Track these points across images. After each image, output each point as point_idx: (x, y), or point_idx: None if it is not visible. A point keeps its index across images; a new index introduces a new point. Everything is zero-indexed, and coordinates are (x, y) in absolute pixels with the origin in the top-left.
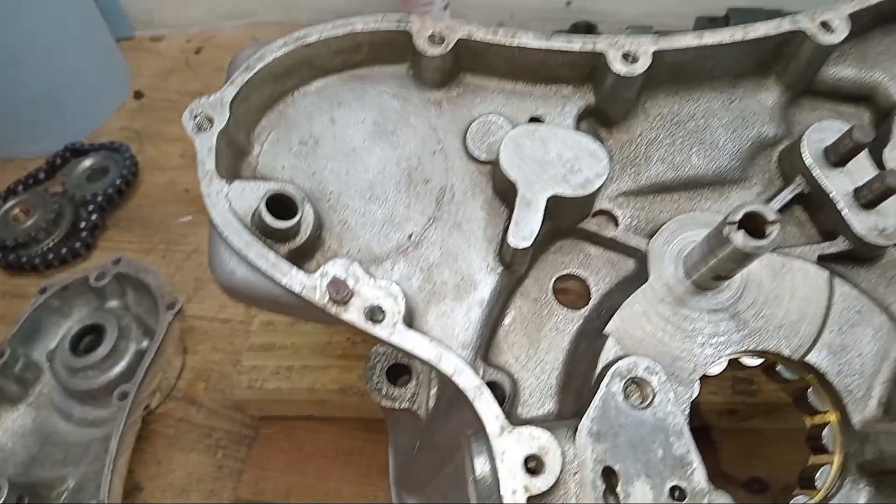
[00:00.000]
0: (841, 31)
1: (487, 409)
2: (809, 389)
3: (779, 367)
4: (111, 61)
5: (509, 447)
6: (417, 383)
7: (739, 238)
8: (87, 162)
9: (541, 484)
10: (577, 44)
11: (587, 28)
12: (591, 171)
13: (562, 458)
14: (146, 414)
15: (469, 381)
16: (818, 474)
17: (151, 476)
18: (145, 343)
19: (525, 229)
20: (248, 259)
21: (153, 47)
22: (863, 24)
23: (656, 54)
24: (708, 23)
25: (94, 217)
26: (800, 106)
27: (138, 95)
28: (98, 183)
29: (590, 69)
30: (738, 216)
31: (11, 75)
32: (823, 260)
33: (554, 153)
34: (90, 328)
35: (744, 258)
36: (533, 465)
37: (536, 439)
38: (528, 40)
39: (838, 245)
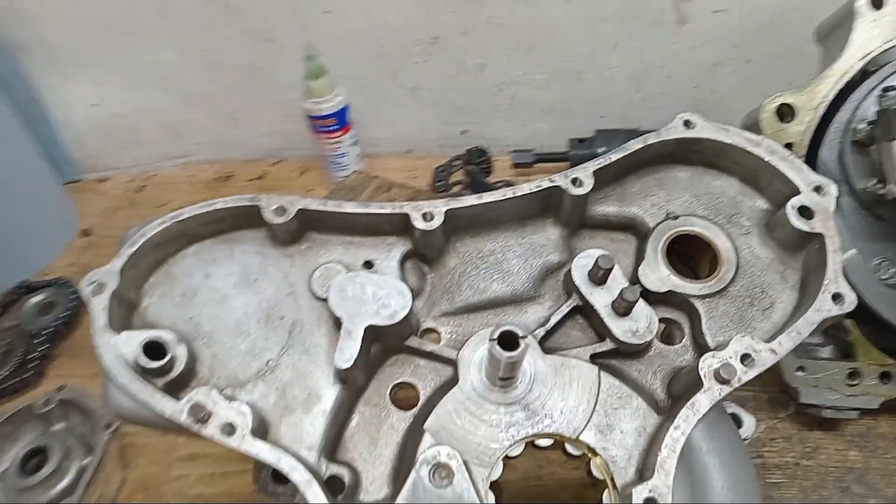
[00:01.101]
0: (588, 185)
1: (316, 498)
2: (590, 462)
3: (566, 446)
4: (59, 204)
5: None
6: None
7: (497, 350)
8: (38, 297)
9: None
10: (388, 209)
11: (479, 153)
12: (398, 305)
13: None
14: None
15: (301, 476)
16: None
17: None
18: (87, 460)
19: (346, 353)
20: (129, 393)
21: (98, 188)
22: (615, 174)
23: (448, 212)
24: (578, 143)
25: (44, 347)
26: (580, 236)
27: (85, 233)
28: (48, 316)
29: (403, 224)
30: (496, 335)
31: None
32: (597, 357)
33: (370, 293)
34: (36, 450)
35: (508, 365)
36: None
37: None
38: (351, 208)
39: (607, 345)
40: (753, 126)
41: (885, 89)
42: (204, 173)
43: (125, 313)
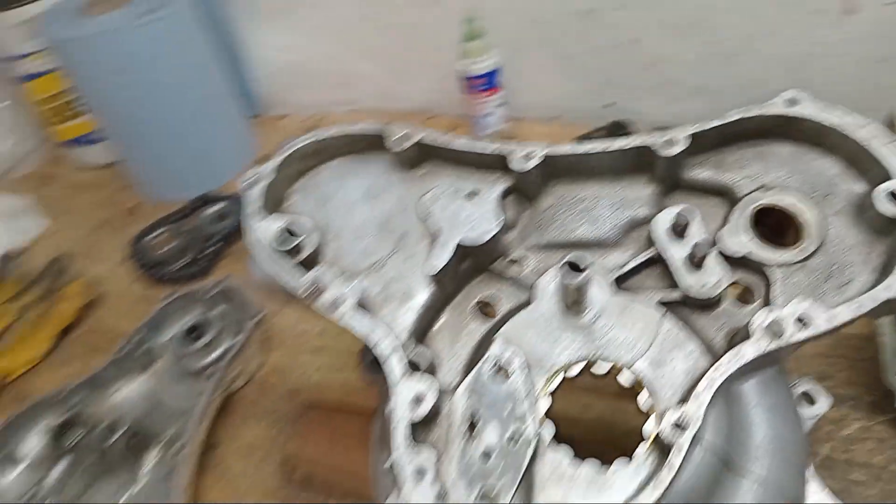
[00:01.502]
0: (678, 147)
1: (396, 363)
2: (639, 394)
3: (618, 377)
4: (243, 134)
5: (404, 388)
6: None
7: (565, 273)
8: (215, 207)
9: (420, 411)
10: (491, 148)
11: (620, 126)
12: (486, 229)
13: (437, 397)
14: (228, 394)
15: (385, 347)
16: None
17: (227, 438)
18: (235, 340)
19: (437, 261)
20: (265, 266)
21: (276, 124)
22: (715, 141)
23: (546, 156)
24: None
25: (214, 248)
26: (673, 197)
27: (261, 160)
28: (221, 224)
29: (505, 162)
30: (564, 261)
31: (168, 141)
32: (665, 304)
33: (465, 215)
34: (198, 326)
35: (573, 289)
36: (419, 398)
37: (422, 383)
38: (460, 144)
39: (676, 294)
40: (889, 121)
41: None
42: (367, 118)
43: (271, 207)
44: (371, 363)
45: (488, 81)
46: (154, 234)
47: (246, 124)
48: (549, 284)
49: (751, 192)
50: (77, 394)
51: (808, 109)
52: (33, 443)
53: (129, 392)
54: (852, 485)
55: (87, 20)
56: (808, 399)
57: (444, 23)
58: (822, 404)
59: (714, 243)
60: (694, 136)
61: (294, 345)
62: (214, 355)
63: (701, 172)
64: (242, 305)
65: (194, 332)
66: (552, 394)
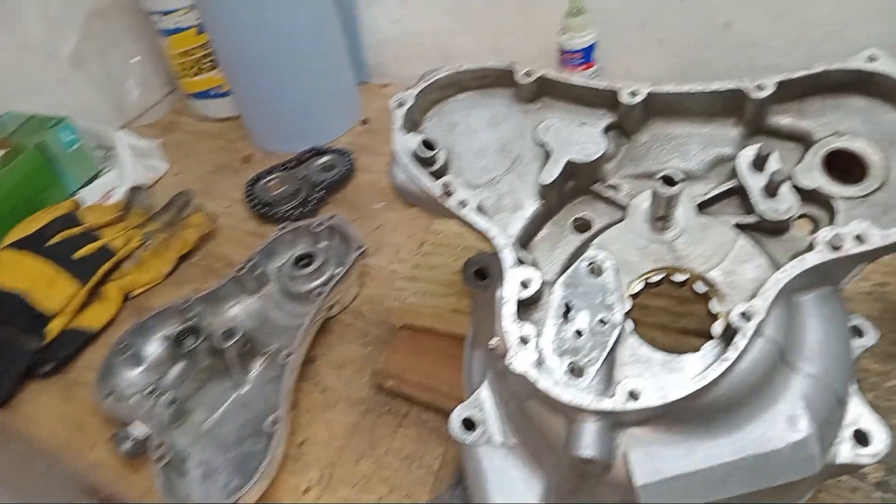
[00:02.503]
0: (767, 91)
1: (508, 256)
2: (712, 300)
3: (695, 285)
4: (351, 96)
5: (514, 273)
6: (491, 279)
7: (659, 186)
8: (323, 159)
9: (528, 292)
10: (604, 84)
11: None
12: (594, 150)
13: (541, 283)
14: (328, 318)
15: (501, 240)
16: (707, 344)
17: (323, 354)
18: (338, 270)
19: (551, 173)
20: (406, 170)
21: (380, 91)
22: (799, 92)
23: (650, 93)
24: None
25: (320, 194)
26: (755, 139)
27: (364, 122)
28: (328, 173)
29: (612, 100)
30: (659, 175)
31: (287, 97)
32: (741, 226)
33: (576, 138)
34: (307, 255)
35: (664, 201)
36: (526, 283)
37: (530, 271)
38: (576, 79)
39: (752, 219)
40: None
41: None
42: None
43: (410, 127)
44: (473, 274)
45: (585, 56)
46: (267, 178)
47: (355, 88)
48: (641, 203)
49: (825, 137)
50: (197, 306)
51: (885, 66)
52: (156, 346)
53: (242, 308)
54: (892, 429)
55: None
56: (858, 332)
57: (549, 1)
58: (871, 337)
59: (789, 177)
60: (781, 83)
61: (386, 282)
62: (319, 281)
63: (783, 119)
64: (346, 240)
65: (302, 260)
66: (634, 296)
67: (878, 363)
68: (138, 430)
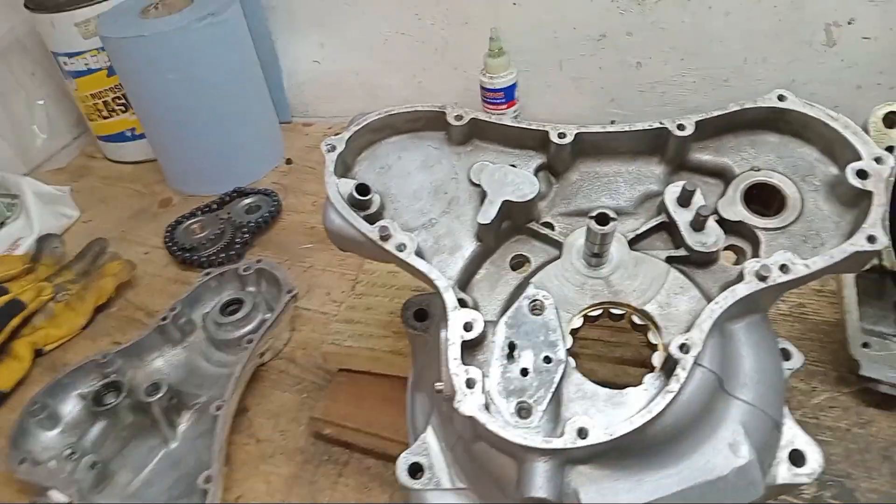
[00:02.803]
0: (689, 130)
1: (450, 298)
2: (650, 332)
3: (633, 318)
4: (273, 136)
5: (457, 316)
6: (431, 320)
7: (593, 225)
8: (247, 200)
9: (470, 335)
10: (534, 126)
11: None
12: (528, 190)
13: (483, 325)
14: (259, 365)
15: (442, 283)
16: (648, 377)
17: (256, 403)
18: (269, 315)
19: (487, 214)
20: (342, 214)
21: (304, 130)
22: (716, 130)
23: (578, 134)
24: None
25: (246, 237)
26: (679, 175)
27: (289, 161)
28: (253, 215)
29: (543, 140)
30: (594, 214)
31: (206, 138)
32: (671, 259)
33: (510, 179)
34: (234, 301)
35: (599, 238)
36: (468, 327)
37: (472, 314)
38: (507, 121)
39: (681, 252)
40: (861, 128)
41: None
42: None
43: (343, 171)
44: (412, 316)
45: (506, 95)
46: (188, 222)
47: (277, 128)
48: (576, 241)
49: (744, 172)
50: (117, 360)
51: (793, 105)
52: (73, 404)
53: (167, 360)
54: (819, 443)
55: (147, 22)
56: (785, 354)
57: (470, 41)
58: (796, 360)
59: (714, 211)
60: (699, 122)
61: (321, 325)
62: (248, 327)
63: (703, 155)
64: (276, 283)
65: (230, 306)
66: (574, 332)
67: (801, 381)
68: (57, 497)
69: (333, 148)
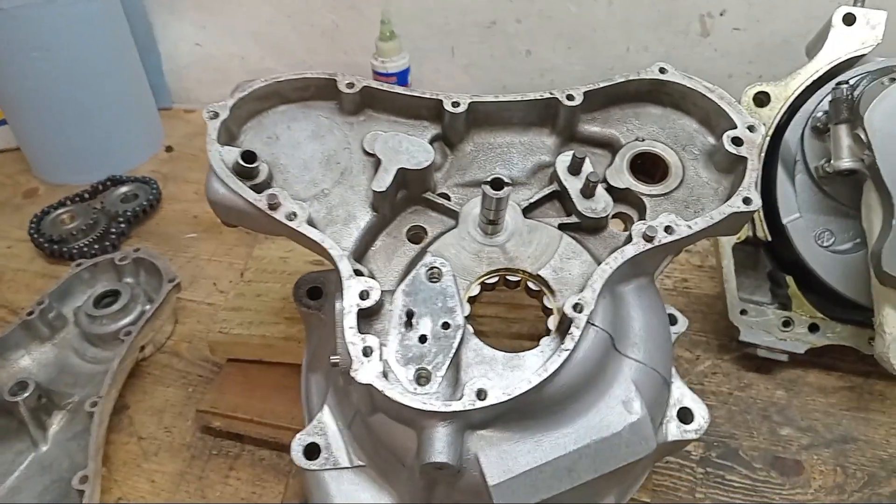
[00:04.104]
0: (578, 100)
1: (345, 266)
2: (545, 297)
3: (528, 284)
4: (152, 122)
5: (353, 284)
6: (325, 298)
7: (488, 189)
8: (123, 189)
9: (367, 304)
10: (427, 94)
11: None
12: (423, 158)
13: (380, 293)
14: (140, 360)
15: (336, 252)
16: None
17: (137, 400)
18: (149, 307)
19: (382, 182)
20: (226, 183)
21: (185, 116)
22: (602, 102)
23: (472, 104)
24: None
25: (122, 227)
26: (569, 147)
27: (169, 149)
28: (129, 204)
29: (437, 110)
30: (488, 179)
31: (75, 124)
32: (563, 226)
33: (405, 146)
34: (110, 292)
35: (494, 203)
36: (364, 295)
37: (368, 282)
38: (400, 90)
39: (572, 219)
40: None
41: (838, 83)
42: None
43: (227, 139)
44: (305, 294)
45: (399, 80)
46: (57, 212)
47: (156, 114)
48: (472, 210)
49: (629, 142)
50: None
51: (674, 77)
52: None
53: (34, 358)
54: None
55: None
56: (672, 320)
57: (359, 25)
58: (682, 324)
59: (603, 179)
60: (587, 93)
61: (206, 316)
62: (126, 320)
63: (591, 126)
64: (156, 273)
65: (105, 298)
66: (472, 299)
67: (686, 351)
68: None
69: (216, 115)
